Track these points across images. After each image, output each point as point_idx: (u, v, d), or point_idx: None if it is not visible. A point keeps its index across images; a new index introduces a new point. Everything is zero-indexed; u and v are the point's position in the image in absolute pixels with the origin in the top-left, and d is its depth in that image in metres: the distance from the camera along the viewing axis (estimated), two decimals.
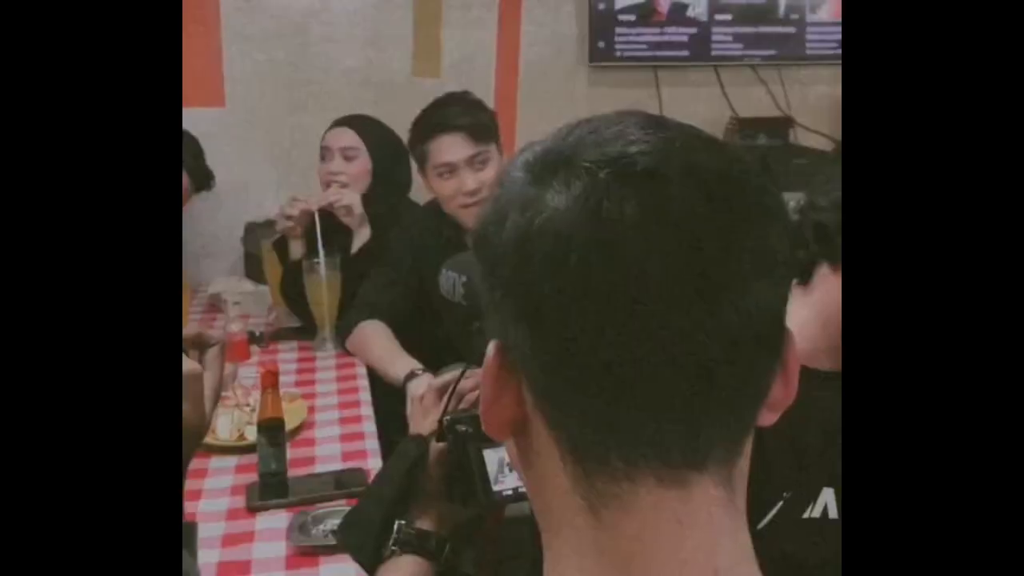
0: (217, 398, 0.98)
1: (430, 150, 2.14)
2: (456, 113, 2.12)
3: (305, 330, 2.42)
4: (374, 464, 1.65)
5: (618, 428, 0.52)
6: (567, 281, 0.51)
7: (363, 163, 2.44)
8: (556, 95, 3.02)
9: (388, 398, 2.09)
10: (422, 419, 1.03)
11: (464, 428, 0.94)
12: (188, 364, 0.93)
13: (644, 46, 2.96)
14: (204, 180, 2.59)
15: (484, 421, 0.58)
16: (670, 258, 0.50)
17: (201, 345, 0.99)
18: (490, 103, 2.88)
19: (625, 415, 0.52)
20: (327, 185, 2.42)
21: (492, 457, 0.92)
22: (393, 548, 0.95)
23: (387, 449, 1.76)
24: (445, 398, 1.00)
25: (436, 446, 0.97)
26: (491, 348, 0.58)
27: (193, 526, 0.91)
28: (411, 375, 2.05)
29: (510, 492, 0.91)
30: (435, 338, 2.25)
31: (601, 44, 2.94)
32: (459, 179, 2.11)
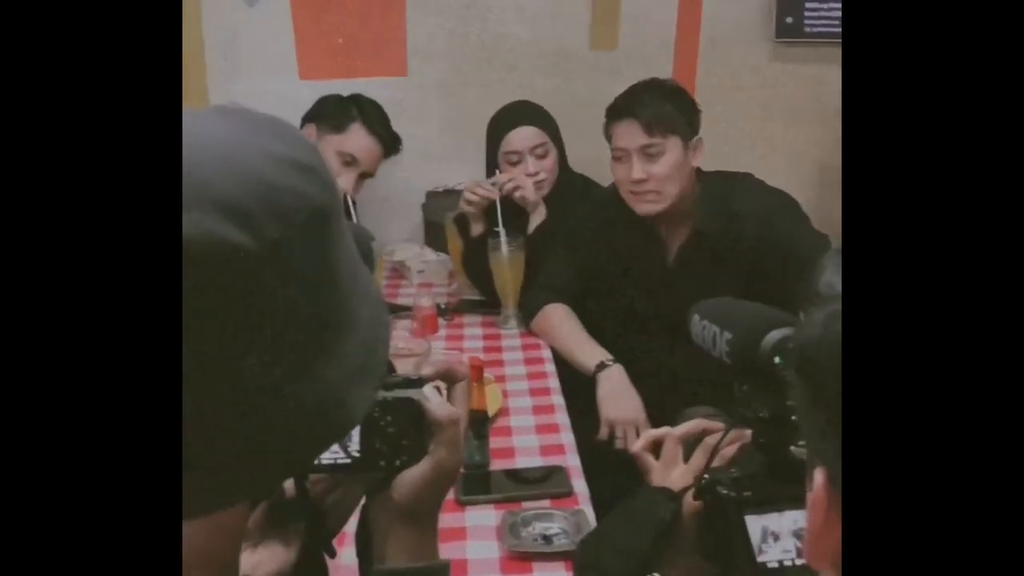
0: (466, 436, 1.02)
1: (611, 133, 2.17)
2: (640, 101, 2.12)
3: (487, 303, 2.50)
4: (572, 461, 1.70)
5: None
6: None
7: (552, 156, 2.49)
8: (737, 71, 2.96)
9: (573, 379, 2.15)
10: (665, 469, 1.06)
11: (725, 491, 0.92)
12: (449, 408, 0.97)
13: (835, 22, 2.86)
14: (393, 145, 2.66)
15: (807, 549, 0.59)
16: None
17: (450, 379, 1.03)
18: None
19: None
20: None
21: (755, 525, 0.89)
22: None
23: (580, 441, 1.81)
24: (703, 455, 1.01)
25: (691, 503, 0.97)
26: (819, 477, 0.57)
27: (446, 566, 0.96)
28: (601, 365, 2.10)
29: (776, 565, 0.89)
30: (610, 317, 2.30)
31: (789, 19, 2.86)
32: (629, 166, 2.13)
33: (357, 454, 0.93)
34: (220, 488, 0.60)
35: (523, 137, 2.47)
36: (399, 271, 2.83)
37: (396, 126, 2.91)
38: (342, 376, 0.63)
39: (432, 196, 2.97)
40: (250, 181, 0.57)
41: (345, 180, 2.53)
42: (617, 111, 2.16)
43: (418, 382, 0.97)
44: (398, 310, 2.45)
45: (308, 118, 2.59)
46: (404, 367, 2.10)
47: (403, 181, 3.00)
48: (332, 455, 0.93)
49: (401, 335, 2.26)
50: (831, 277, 0.59)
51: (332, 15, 2.90)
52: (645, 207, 2.15)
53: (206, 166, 0.57)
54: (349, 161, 2.55)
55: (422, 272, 2.76)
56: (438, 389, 0.99)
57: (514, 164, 2.46)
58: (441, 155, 3.01)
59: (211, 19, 2.87)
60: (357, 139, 2.56)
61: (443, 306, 2.50)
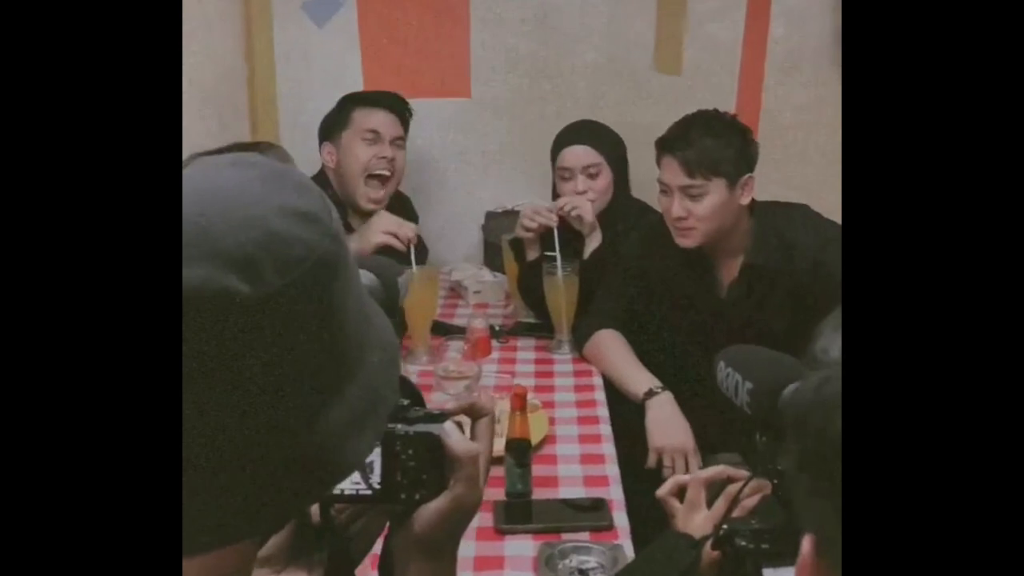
0: (488, 470, 1.02)
1: (659, 165, 2.16)
2: (684, 138, 2.09)
3: (542, 327, 2.50)
4: (615, 494, 1.69)
5: None
6: None
7: (606, 177, 2.48)
8: (803, 98, 2.92)
9: (621, 406, 2.14)
10: (688, 514, 1.05)
11: (744, 543, 0.93)
12: (468, 445, 0.97)
13: None
14: (399, 105, 2.67)
15: None
16: None
17: (474, 415, 1.04)
18: (731, 104, 2.85)
19: None
20: None
21: None
22: None
23: (624, 471, 1.80)
24: (724, 503, 1.01)
25: (710, 552, 0.98)
26: (806, 544, 0.58)
27: None
28: (651, 392, 2.09)
29: None
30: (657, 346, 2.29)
31: None
32: (672, 200, 2.12)
33: (378, 486, 0.94)
34: (225, 524, 0.61)
35: (576, 155, 2.47)
36: (456, 291, 2.85)
37: (460, 145, 2.95)
38: (345, 419, 0.65)
39: (491, 216, 2.99)
40: (256, 231, 0.59)
41: (379, 150, 2.58)
42: (662, 145, 2.14)
43: (440, 417, 0.98)
44: (454, 330, 2.46)
45: (321, 139, 2.67)
46: (455, 389, 2.11)
47: (465, 199, 3.03)
48: (355, 485, 0.94)
49: (453, 357, 2.26)
50: (825, 342, 0.57)
51: (399, 36, 2.94)
52: (684, 241, 2.15)
53: (216, 217, 0.59)
54: (373, 138, 2.60)
55: (478, 293, 2.77)
56: (460, 425, 1.00)
57: (566, 180, 2.47)
58: (503, 174, 3.03)
59: (282, 39, 2.94)
60: (365, 118, 2.62)
61: (498, 328, 2.51)
